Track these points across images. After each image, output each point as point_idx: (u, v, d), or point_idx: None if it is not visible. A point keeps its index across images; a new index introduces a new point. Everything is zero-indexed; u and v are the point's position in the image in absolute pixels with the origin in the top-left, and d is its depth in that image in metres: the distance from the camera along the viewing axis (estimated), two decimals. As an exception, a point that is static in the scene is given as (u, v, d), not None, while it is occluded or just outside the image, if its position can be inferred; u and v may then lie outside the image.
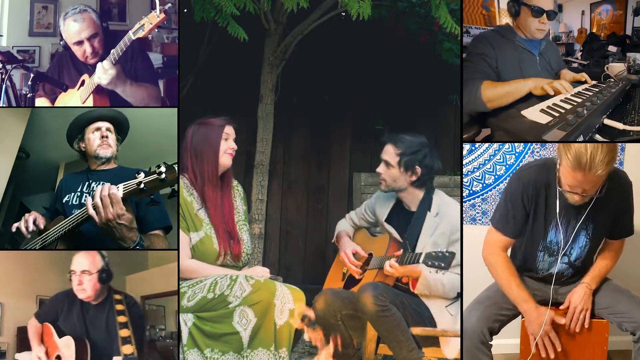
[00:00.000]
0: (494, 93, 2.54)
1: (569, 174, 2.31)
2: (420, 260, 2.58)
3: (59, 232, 2.53)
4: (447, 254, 2.55)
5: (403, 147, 2.74)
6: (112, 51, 2.79)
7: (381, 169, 2.78)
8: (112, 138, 2.81)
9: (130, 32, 2.71)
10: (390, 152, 2.76)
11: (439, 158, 2.80)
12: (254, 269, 2.68)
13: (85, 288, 2.61)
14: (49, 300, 2.75)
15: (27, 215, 2.63)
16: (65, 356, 2.54)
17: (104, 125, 2.79)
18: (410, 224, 2.74)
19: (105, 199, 2.33)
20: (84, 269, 2.60)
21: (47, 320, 2.69)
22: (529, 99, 2.55)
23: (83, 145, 2.81)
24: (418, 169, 2.73)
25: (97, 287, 2.62)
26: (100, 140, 2.78)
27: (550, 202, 2.48)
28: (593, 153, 2.23)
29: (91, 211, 2.37)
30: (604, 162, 2.23)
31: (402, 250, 2.70)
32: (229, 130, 2.69)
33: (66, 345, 2.56)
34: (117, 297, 2.67)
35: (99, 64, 2.82)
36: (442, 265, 2.54)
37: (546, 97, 2.55)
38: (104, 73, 2.80)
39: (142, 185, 2.32)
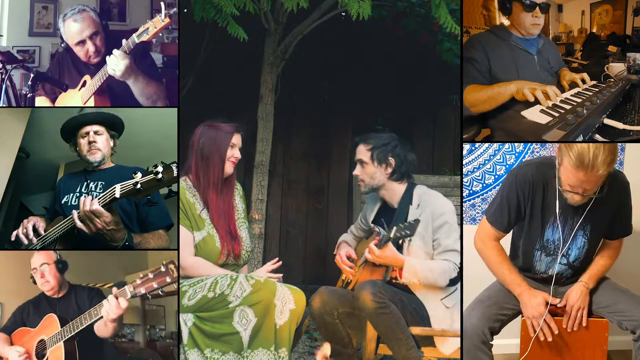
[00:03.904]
0: (476, 97, 2.55)
1: (571, 173, 2.31)
2: (392, 235, 2.60)
3: (58, 232, 2.54)
4: (412, 222, 2.60)
5: (373, 142, 2.79)
6: (123, 43, 2.73)
7: (357, 170, 2.82)
8: (101, 141, 2.75)
9: (134, 35, 2.69)
10: (362, 151, 2.80)
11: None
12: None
13: (48, 279, 2.72)
14: (11, 315, 2.82)
15: (25, 221, 2.64)
16: (49, 334, 2.60)
17: (92, 129, 2.74)
18: (394, 218, 2.75)
19: (89, 214, 2.36)
20: (42, 262, 2.73)
21: (16, 329, 2.74)
22: (515, 104, 2.53)
23: (78, 149, 2.78)
24: (391, 160, 2.76)
25: (57, 276, 2.74)
26: (88, 146, 2.73)
27: (547, 201, 2.48)
28: (595, 153, 2.24)
29: (79, 224, 2.39)
30: (605, 162, 2.24)
31: (379, 237, 2.71)
32: (236, 140, 2.68)
33: (46, 326, 2.63)
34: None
35: (109, 56, 2.75)
36: (408, 232, 2.58)
37: (533, 101, 2.54)
38: (117, 63, 2.74)
39: (138, 186, 2.31)
